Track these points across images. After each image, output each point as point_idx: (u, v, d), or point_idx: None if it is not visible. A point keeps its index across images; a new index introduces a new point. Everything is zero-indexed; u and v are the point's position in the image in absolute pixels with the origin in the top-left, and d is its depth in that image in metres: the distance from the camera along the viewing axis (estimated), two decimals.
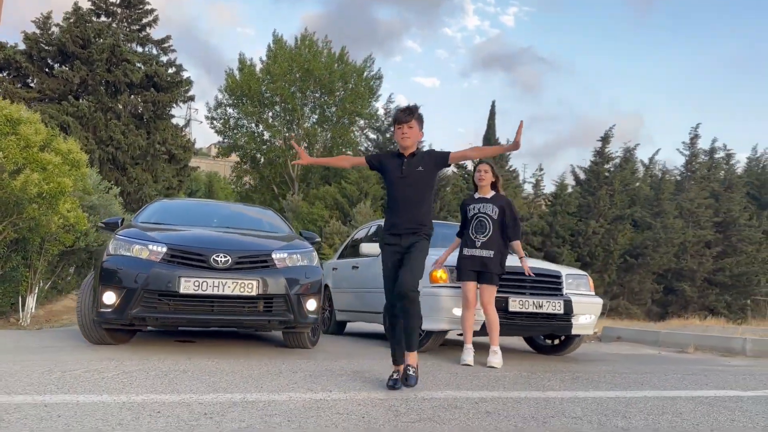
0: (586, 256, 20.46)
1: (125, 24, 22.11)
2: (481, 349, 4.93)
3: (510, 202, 4.76)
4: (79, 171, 8.04)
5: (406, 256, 3.34)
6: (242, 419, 2.41)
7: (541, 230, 20.57)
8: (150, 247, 4.36)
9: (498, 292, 4.69)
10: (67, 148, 7.88)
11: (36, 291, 8.00)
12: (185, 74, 22.06)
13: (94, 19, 21.19)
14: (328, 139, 31.63)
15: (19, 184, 6.86)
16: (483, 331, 4.70)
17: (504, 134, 28.67)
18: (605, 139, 22.03)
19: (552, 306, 4.97)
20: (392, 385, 3.24)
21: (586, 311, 5.22)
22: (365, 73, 31.37)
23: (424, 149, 3.67)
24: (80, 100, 19.71)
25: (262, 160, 32.04)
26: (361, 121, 31.43)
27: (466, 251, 4.62)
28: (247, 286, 4.29)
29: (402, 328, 3.30)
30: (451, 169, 23.66)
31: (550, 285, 5.12)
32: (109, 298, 4.20)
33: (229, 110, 31.55)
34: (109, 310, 4.20)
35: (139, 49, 22.08)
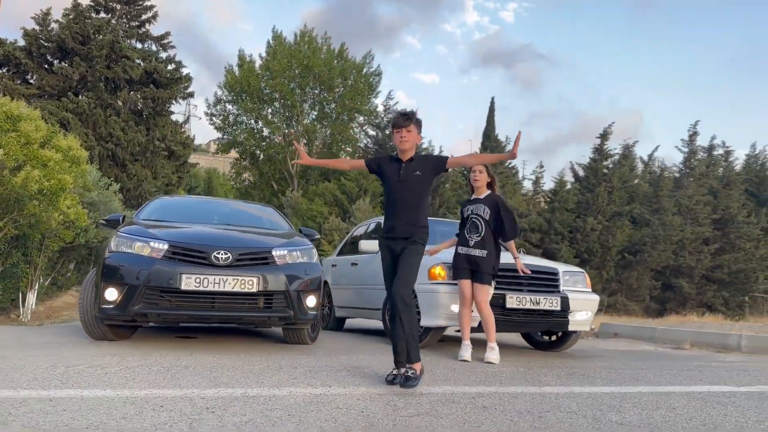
0: (585, 253, 20.51)
1: (124, 20, 22.08)
2: (479, 345, 4.98)
3: (502, 199, 4.81)
4: (79, 168, 8.06)
5: (400, 262, 3.42)
6: (244, 413, 2.46)
7: (540, 227, 20.60)
8: (152, 244, 4.41)
9: (495, 288, 4.78)
10: (67, 144, 7.89)
11: (36, 287, 8.04)
12: (185, 71, 22.13)
13: (93, 15, 21.19)
14: (327, 136, 31.61)
15: (20, 181, 6.89)
16: (481, 327, 4.75)
17: (503, 131, 28.72)
18: (604, 136, 22.04)
19: (549, 303, 5.03)
20: (391, 380, 3.29)
21: (583, 308, 5.28)
22: (365, 70, 31.30)
23: (424, 150, 3.72)
24: (80, 97, 19.71)
25: (262, 156, 32.00)
26: (361, 118, 31.35)
27: (461, 250, 4.70)
28: (248, 283, 4.34)
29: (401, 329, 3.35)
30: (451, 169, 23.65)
31: (547, 282, 5.18)
32: (111, 294, 4.26)
33: (229, 106, 31.51)
34: (111, 306, 4.26)
35: (139, 46, 22.08)
